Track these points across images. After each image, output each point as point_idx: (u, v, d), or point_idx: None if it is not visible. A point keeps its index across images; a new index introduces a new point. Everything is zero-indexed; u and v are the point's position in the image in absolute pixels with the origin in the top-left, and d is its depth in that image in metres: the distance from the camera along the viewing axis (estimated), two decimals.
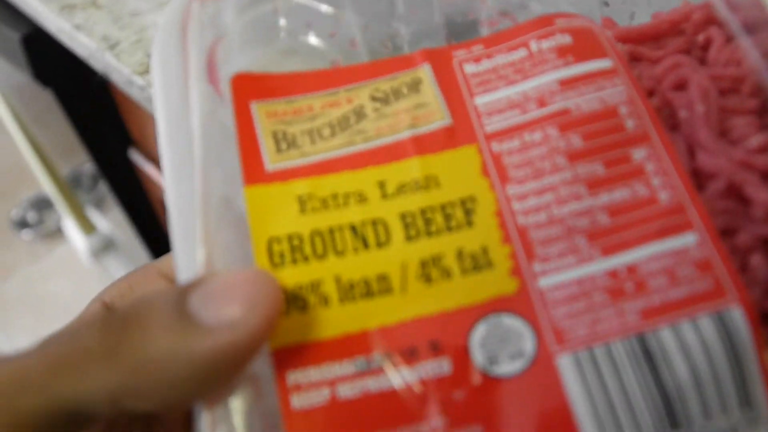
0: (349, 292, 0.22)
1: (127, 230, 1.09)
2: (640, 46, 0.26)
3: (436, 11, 0.27)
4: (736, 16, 0.24)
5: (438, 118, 0.25)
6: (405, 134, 0.24)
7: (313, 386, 0.21)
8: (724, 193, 0.22)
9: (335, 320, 0.22)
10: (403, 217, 0.23)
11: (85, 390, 0.20)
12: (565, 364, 0.21)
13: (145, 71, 0.48)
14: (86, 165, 1.19)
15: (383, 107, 0.25)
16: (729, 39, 0.24)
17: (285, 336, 0.22)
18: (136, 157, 0.88)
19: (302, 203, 0.23)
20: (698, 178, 0.23)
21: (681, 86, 0.24)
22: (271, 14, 0.27)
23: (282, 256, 0.23)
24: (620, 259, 0.21)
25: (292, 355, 0.22)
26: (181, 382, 0.20)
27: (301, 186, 0.24)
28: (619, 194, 0.22)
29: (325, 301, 0.22)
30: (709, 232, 0.21)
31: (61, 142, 1.01)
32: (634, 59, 0.26)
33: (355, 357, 0.22)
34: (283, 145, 0.24)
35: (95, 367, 0.20)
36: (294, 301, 0.22)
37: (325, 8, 0.27)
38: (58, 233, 1.71)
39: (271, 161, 0.24)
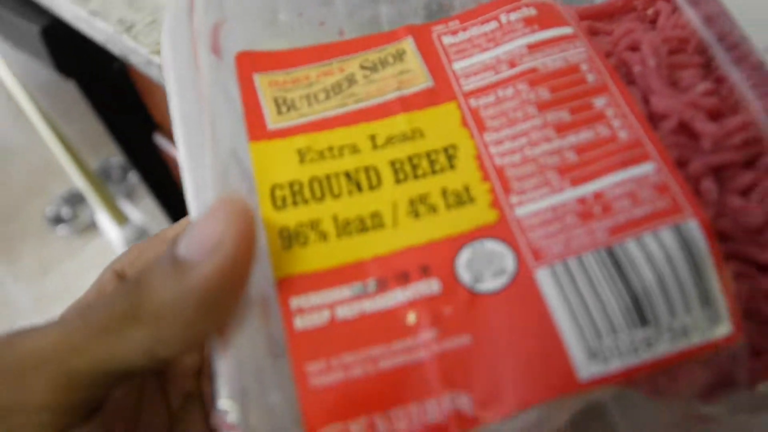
0: (345, 228, 0.25)
1: (159, 218, 1.10)
2: (597, 22, 0.29)
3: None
4: None
5: (421, 81, 0.27)
6: (392, 95, 0.27)
7: (314, 309, 0.23)
8: (676, 129, 0.25)
9: (333, 253, 0.24)
10: (392, 163, 0.26)
11: (124, 349, 0.22)
12: (543, 276, 0.23)
13: None
14: (115, 157, 1.19)
15: (372, 74, 0.28)
16: (674, 10, 0.28)
17: (288, 267, 0.24)
18: (162, 141, 0.89)
19: (301, 155, 0.26)
20: (653, 120, 0.25)
21: (634, 47, 0.27)
22: (269, 2, 0.30)
23: (284, 199, 0.25)
24: (588, 188, 0.24)
25: (294, 283, 0.24)
26: (192, 318, 0.22)
27: (300, 141, 0.26)
28: (584, 135, 0.25)
29: (323, 236, 0.24)
30: (664, 160, 0.24)
31: (89, 136, 1.02)
32: (592, 34, 0.29)
33: (352, 283, 0.24)
34: (283, 108, 0.27)
35: (128, 328, 0.22)
36: (296, 238, 0.24)
37: None
38: (92, 227, 1.71)
39: (272, 121, 0.27)
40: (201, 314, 0.22)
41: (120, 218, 1.50)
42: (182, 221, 0.31)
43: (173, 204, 1.05)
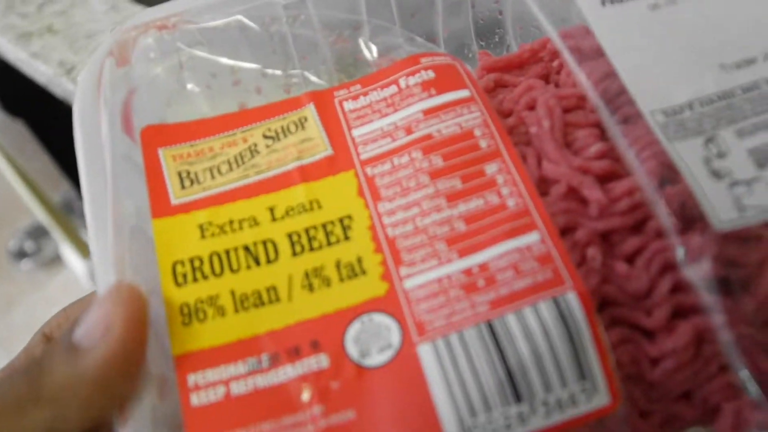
0: (242, 303, 0.25)
1: None
2: (506, 74, 0.30)
3: (327, 54, 0.30)
4: (566, 43, 0.27)
5: (321, 150, 0.28)
6: (292, 165, 0.28)
7: (210, 385, 0.24)
8: (564, 195, 0.25)
9: (230, 328, 0.25)
10: (290, 236, 0.26)
11: (27, 428, 0.24)
12: (425, 352, 0.23)
13: None
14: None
15: (274, 143, 0.28)
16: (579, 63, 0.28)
17: (187, 344, 0.25)
18: None
19: (203, 230, 0.27)
20: (545, 185, 0.26)
21: (532, 106, 0.27)
22: (176, 67, 0.30)
23: (185, 276, 0.26)
24: (474, 260, 0.24)
25: (192, 359, 0.24)
26: (89, 399, 0.24)
27: (201, 215, 0.27)
28: (474, 204, 0.25)
29: (221, 312, 0.25)
30: (549, 230, 0.24)
31: (49, 169, 1.04)
32: (500, 86, 0.29)
33: (247, 358, 0.24)
34: (187, 183, 0.28)
35: (30, 408, 0.24)
36: (195, 314, 0.25)
37: (225, 60, 0.30)
38: (57, 260, 1.72)
39: (175, 196, 0.27)
40: (97, 395, 0.24)
41: (84, 250, 1.50)
42: None
43: None
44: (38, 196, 1.32)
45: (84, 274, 1.54)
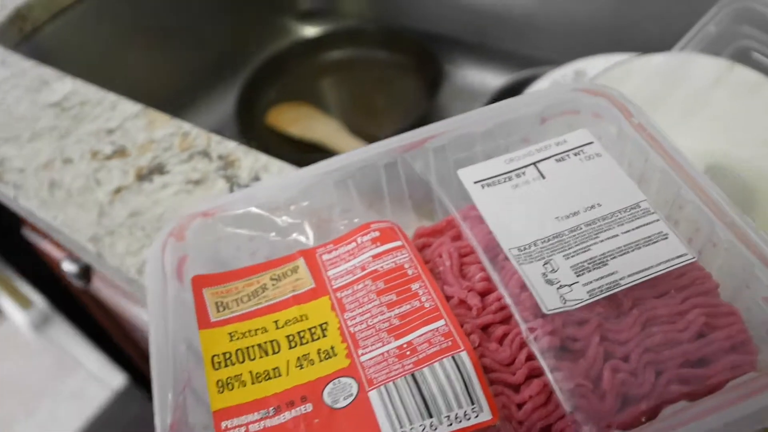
0: (257, 378, 0.39)
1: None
2: (431, 237, 0.46)
3: (309, 229, 0.47)
4: (461, 216, 0.43)
5: (308, 284, 0.43)
6: (289, 295, 0.43)
7: (235, 427, 0.38)
8: (458, 305, 0.41)
9: (249, 393, 0.39)
10: (288, 337, 0.41)
11: None
12: (373, 396, 0.37)
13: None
14: None
15: (277, 282, 0.44)
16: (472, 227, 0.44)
17: (221, 403, 0.39)
18: (30, 234, 1.00)
19: (231, 336, 0.41)
20: (447, 299, 0.41)
21: (440, 255, 0.43)
22: (215, 240, 0.46)
23: (219, 363, 0.40)
24: (404, 340, 0.39)
25: (224, 413, 0.38)
26: None
27: (230, 327, 0.42)
28: (404, 308, 0.40)
29: (243, 384, 0.39)
30: (450, 319, 0.39)
31: None
32: (427, 246, 0.45)
33: (260, 410, 0.38)
34: (221, 308, 0.43)
35: None
36: (226, 386, 0.39)
37: (244, 232, 0.46)
38: None
39: (213, 317, 0.42)
40: None
41: (24, 301, 1.51)
42: None
43: (51, 287, 1.14)
44: None
45: (25, 325, 1.53)
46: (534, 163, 0.45)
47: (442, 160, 0.48)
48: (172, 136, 0.66)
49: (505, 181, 0.45)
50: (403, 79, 1.10)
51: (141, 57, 1.05)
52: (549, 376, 0.37)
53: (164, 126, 0.67)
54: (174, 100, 1.06)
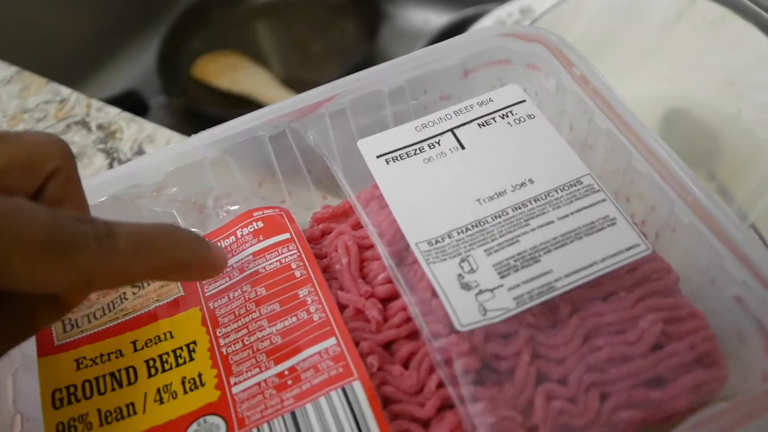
0: (107, 417, 0.31)
1: None
2: (332, 222, 0.37)
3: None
4: (360, 201, 0.35)
5: (174, 292, 0.35)
6: (153, 306, 0.34)
7: None
8: (354, 316, 0.32)
9: None
10: (147, 362, 0.33)
11: None
12: None
13: None
14: None
15: (139, 291, 0.35)
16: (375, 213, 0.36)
17: None
18: None
19: (78, 363, 0.33)
20: (340, 308, 0.33)
21: (336, 249, 0.35)
22: None
23: (61, 400, 0.32)
24: (286, 365, 0.31)
25: None
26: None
27: (77, 352, 0.33)
28: (289, 321, 0.32)
29: (89, 426, 0.31)
30: (343, 336, 0.31)
31: None
32: (327, 233, 0.37)
33: None
34: (68, 327, 0.34)
35: None
36: (67, 429, 0.31)
37: None
38: None
39: (57, 338, 0.34)
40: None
41: None
42: None
43: None
44: None
45: None
46: (452, 130, 0.37)
47: (342, 128, 0.39)
48: (48, 104, 0.57)
49: (415, 154, 0.36)
50: (340, 21, 1.01)
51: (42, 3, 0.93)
52: (464, 408, 0.29)
53: (39, 92, 0.58)
54: (84, 56, 0.95)
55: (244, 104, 0.90)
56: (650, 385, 0.30)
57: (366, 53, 0.91)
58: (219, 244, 0.36)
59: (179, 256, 0.28)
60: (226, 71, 0.94)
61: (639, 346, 0.30)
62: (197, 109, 0.92)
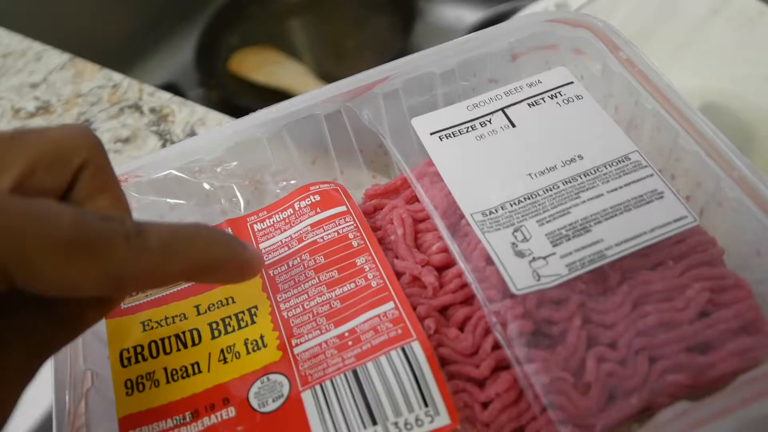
0: (172, 375, 0.33)
1: None
2: (384, 198, 0.39)
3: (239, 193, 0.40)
4: (415, 175, 0.36)
5: None
6: None
7: None
8: (410, 283, 0.34)
9: (162, 394, 0.32)
10: (210, 325, 0.34)
11: None
12: (306, 396, 0.31)
13: None
14: None
15: None
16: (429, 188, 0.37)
17: (129, 408, 0.32)
18: None
19: (144, 325, 0.35)
20: (397, 276, 0.34)
21: (391, 221, 0.36)
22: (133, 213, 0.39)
23: (129, 359, 0.33)
24: (345, 327, 0.32)
25: (132, 419, 0.32)
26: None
27: (143, 315, 0.35)
28: (348, 287, 0.34)
29: (156, 383, 0.33)
30: (401, 301, 0.32)
31: None
32: (379, 208, 0.38)
33: (174, 416, 0.32)
34: (134, 293, 0.36)
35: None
36: (136, 386, 0.33)
37: (166, 201, 0.39)
38: None
39: (124, 303, 0.36)
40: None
41: None
42: None
43: None
44: None
45: None
46: (502, 109, 0.38)
47: (394, 107, 0.40)
48: (101, 89, 0.58)
49: (467, 132, 0.37)
50: (374, 17, 1.02)
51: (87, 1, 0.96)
52: (520, 368, 0.30)
53: (93, 77, 0.60)
54: (125, 50, 0.97)
55: (280, 98, 0.91)
56: (697, 351, 0.31)
57: (400, 49, 0.92)
58: (277, 216, 0.38)
59: (213, 255, 0.27)
60: (262, 65, 0.96)
61: (686, 313, 0.31)
62: (234, 102, 0.94)
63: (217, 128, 0.40)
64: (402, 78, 0.40)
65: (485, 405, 0.31)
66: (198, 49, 1.00)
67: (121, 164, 0.37)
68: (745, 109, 0.59)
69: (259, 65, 0.96)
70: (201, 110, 0.54)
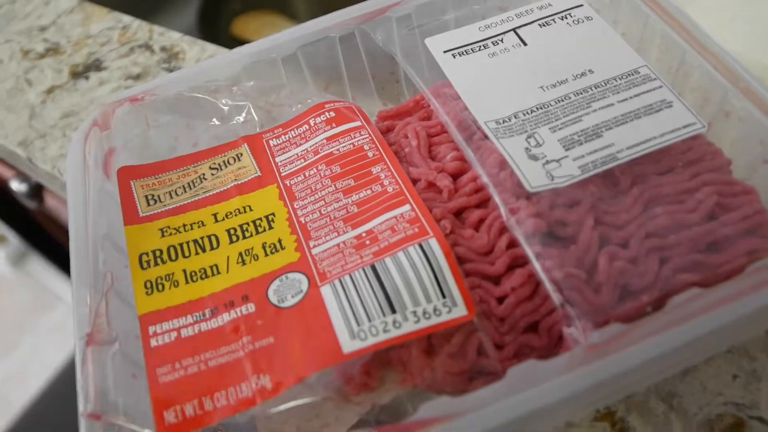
0: (191, 277, 0.33)
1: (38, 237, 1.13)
2: (395, 119, 0.39)
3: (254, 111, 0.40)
4: (432, 94, 0.37)
5: (252, 173, 0.37)
6: (231, 185, 0.37)
7: (165, 332, 0.32)
8: (426, 188, 0.35)
9: (182, 294, 0.33)
10: (228, 231, 0.35)
11: None
12: (325, 291, 0.31)
13: None
14: None
15: (218, 172, 0.38)
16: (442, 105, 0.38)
17: (149, 306, 0.33)
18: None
19: (163, 232, 0.35)
20: (413, 182, 0.35)
21: (406, 135, 0.37)
22: (148, 131, 0.40)
23: (148, 262, 0.34)
24: (363, 228, 0.33)
25: (152, 317, 0.32)
26: None
27: (162, 222, 0.36)
28: (364, 193, 0.34)
29: (175, 284, 0.33)
30: (417, 203, 0.33)
31: None
32: (391, 129, 0.39)
33: (194, 313, 0.32)
34: (152, 202, 0.37)
35: None
36: (156, 286, 0.33)
37: (180, 120, 0.40)
38: None
39: (142, 211, 0.36)
40: None
41: None
42: None
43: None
44: None
45: (2, 261, 1.55)
46: (514, 29, 0.39)
47: (407, 30, 0.41)
48: (111, 30, 0.59)
49: (480, 50, 0.38)
50: None
51: None
52: (535, 264, 0.31)
53: (102, 20, 0.60)
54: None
55: None
56: (706, 251, 0.32)
57: None
58: (292, 132, 0.38)
59: None
60: (265, 29, 0.96)
61: (696, 215, 0.32)
62: None
63: (235, 49, 0.40)
64: (415, 2, 0.41)
65: (500, 300, 0.32)
66: (201, 14, 1.00)
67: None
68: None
69: (261, 28, 0.97)
70: (211, 48, 0.55)
